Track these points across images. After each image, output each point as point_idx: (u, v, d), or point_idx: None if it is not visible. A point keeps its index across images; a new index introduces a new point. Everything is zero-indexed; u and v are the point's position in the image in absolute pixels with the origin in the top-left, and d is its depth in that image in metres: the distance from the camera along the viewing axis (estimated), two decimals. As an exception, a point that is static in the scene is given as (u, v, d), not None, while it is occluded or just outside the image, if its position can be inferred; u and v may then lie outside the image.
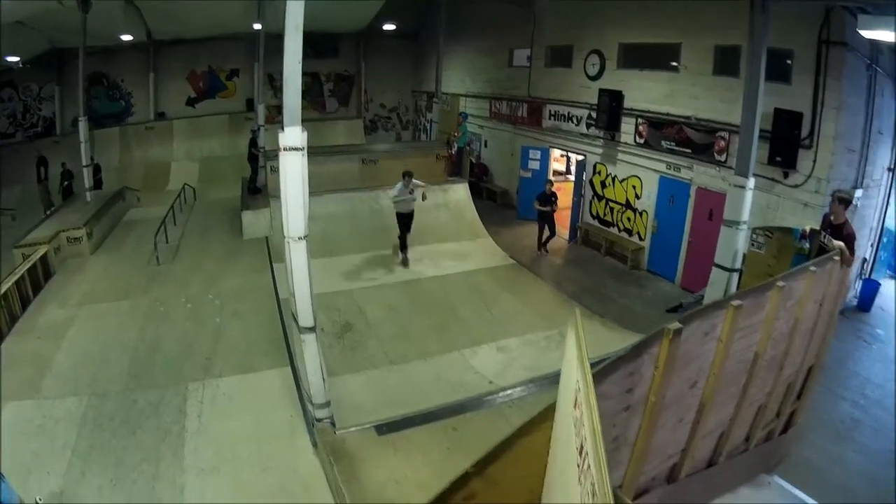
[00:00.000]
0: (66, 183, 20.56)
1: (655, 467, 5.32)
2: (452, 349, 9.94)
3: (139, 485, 6.96)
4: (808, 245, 7.53)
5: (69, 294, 12.30)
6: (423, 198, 14.30)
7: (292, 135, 6.66)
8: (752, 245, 9.85)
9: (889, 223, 16.53)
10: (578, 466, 2.95)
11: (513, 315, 11.04)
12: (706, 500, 6.75)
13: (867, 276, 15.48)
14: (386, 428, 7.38)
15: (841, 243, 7.08)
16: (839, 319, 13.87)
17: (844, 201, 7.48)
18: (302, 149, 6.72)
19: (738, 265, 9.53)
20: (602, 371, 3.90)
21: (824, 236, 7.32)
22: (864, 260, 15.34)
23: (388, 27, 25.80)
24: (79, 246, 15.00)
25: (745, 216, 9.78)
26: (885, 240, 16.58)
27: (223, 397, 8.57)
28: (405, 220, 14.09)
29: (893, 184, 15.98)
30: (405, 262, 14.23)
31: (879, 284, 15.39)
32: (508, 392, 8.37)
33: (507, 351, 10.12)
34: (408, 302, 11.72)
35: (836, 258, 6.78)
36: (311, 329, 7.22)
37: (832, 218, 7.48)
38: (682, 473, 5.74)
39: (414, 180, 14.21)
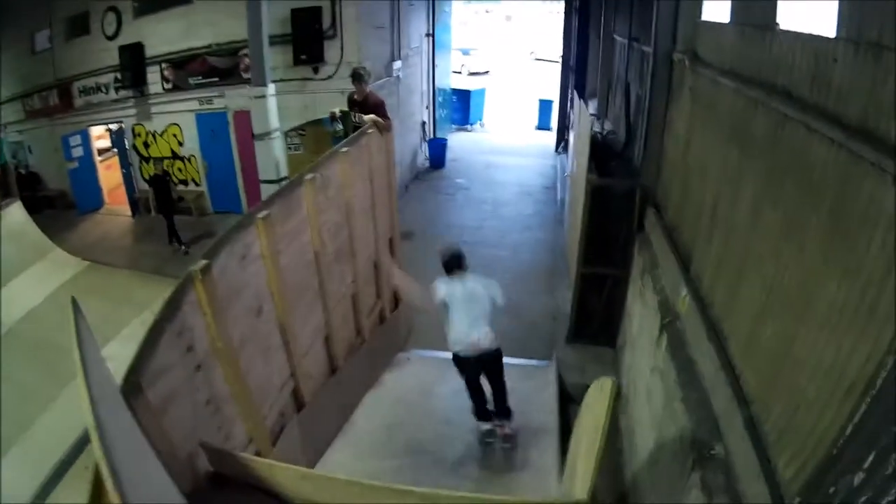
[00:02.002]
0: None
1: (275, 404, 5.19)
2: (68, 382, 8.90)
3: None
4: (340, 127, 7.77)
5: None
6: None
7: None
8: (291, 149, 10.04)
9: (440, 82, 18.30)
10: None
11: (106, 317, 10.14)
12: (352, 403, 6.95)
13: (431, 136, 17.10)
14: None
15: (371, 115, 7.42)
16: (417, 183, 15.37)
17: (358, 76, 7.77)
18: None
19: (284, 173, 9.64)
20: (147, 343, 3.49)
21: (355, 116, 7.59)
22: (424, 123, 16.87)
23: None
24: None
25: (275, 124, 9.82)
26: (440, 98, 18.38)
27: None
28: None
29: (434, 47, 17.65)
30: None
31: (446, 140, 17.13)
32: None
33: (112, 359, 9.28)
34: (17, 356, 10.20)
35: (370, 131, 7.09)
36: None
37: (356, 95, 7.75)
38: (307, 395, 5.74)
39: None
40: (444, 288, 5.89)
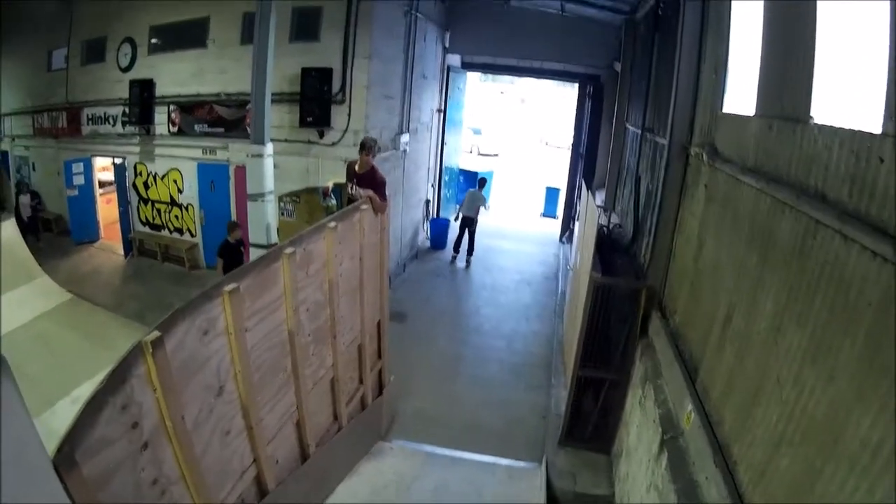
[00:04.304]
0: None
1: (233, 490, 4.71)
2: (36, 415, 8.32)
3: None
4: (333, 202, 7.42)
5: None
6: None
7: None
8: (283, 214, 9.70)
9: (448, 161, 18.20)
10: None
11: (80, 356, 9.75)
12: (323, 493, 6.49)
13: (434, 215, 16.89)
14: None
15: (369, 191, 7.02)
16: (415, 263, 15.05)
17: (366, 148, 7.37)
18: None
19: (274, 239, 9.21)
20: (84, 415, 3.16)
21: (352, 188, 7.21)
22: (428, 201, 16.68)
23: None
24: None
25: (270, 186, 9.37)
26: (446, 177, 18.25)
27: None
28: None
29: (444, 123, 17.58)
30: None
31: (449, 221, 16.88)
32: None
33: (81, 402, 8.82)
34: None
35: (364, 207, 6.70)
36: None
37: (357, 168, 7.35)
38: (272, 482, 5.27)
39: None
40: (466, 194, 15.95)
